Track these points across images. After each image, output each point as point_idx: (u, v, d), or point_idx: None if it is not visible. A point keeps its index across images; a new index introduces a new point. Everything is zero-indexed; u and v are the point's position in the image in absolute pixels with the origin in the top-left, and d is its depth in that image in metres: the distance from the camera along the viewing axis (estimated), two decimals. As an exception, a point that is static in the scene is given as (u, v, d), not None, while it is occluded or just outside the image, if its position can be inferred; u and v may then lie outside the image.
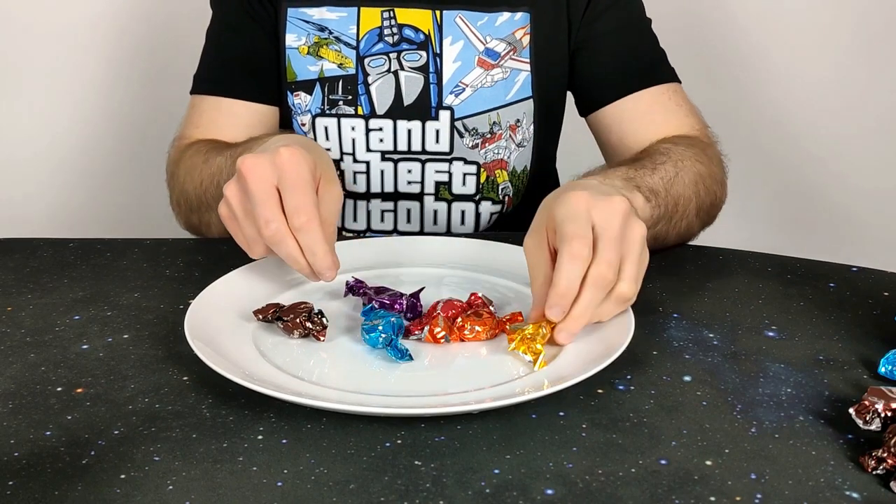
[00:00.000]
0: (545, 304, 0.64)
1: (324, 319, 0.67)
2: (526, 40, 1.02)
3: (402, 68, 1.01)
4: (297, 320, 0.67)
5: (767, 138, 1.69)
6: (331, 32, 1.01)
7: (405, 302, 0.71)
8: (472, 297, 0.71)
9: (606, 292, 0.64)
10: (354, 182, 1.03)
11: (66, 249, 0.89)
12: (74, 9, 1.64)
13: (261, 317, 0.69)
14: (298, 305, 0.68)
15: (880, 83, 1.66)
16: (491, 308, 0.70)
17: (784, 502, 0.50)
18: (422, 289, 0.73)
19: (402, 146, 1.02)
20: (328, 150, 1.03)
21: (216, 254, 0.87)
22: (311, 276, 0.70)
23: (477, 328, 0.67)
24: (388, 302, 0.70)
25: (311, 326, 0.67)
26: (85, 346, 0.69)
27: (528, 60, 1.03)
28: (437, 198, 1.04)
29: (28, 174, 1.73)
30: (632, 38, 1.04)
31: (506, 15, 1.02)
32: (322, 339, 0.67)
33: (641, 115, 1.00)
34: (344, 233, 1.06)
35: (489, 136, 1.03)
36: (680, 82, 1.02)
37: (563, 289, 0.63)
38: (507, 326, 0.68)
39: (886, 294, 0.78)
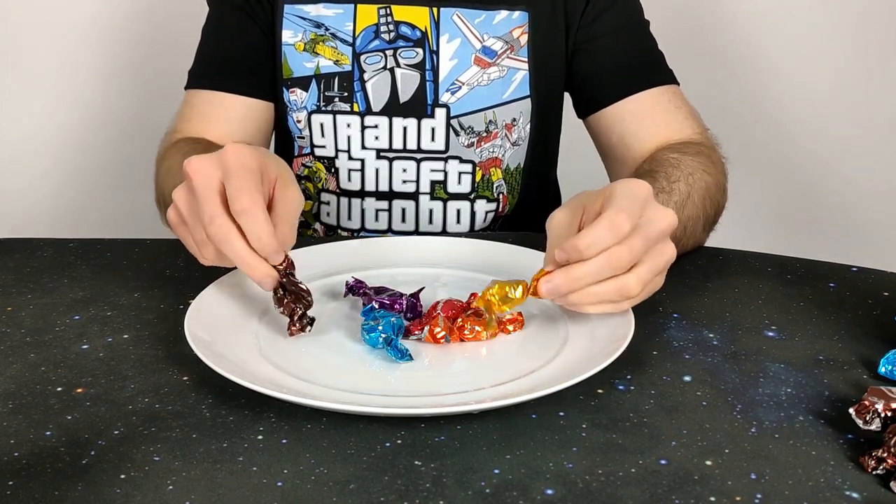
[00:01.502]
0: (558, 247, 0.63)
1: (308, 327, 0.67)
2: (524, 39, 1.02)
3: (398, 65, 1.01)
4: (292, 306, 0.66)
5: (767, 138, 1.69)
6: (327, 29, 1.01)
7: (405, 302, 0.71)
8: (472, 297, 0.71)
9: (612, 274, 0.63)
10: (349, 180, 1.03)
11: (66, 249, 0.89)
12: (76, 8, 1.65)
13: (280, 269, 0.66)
14: (305, 296, 0.67)
15: (880, 83, 1.66)
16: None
17: (784, 502, 0.50)
18: (421, 289, 0.73)
19: (398, 144, 1.02)
20: (323, 146, 1.03)
21: (216, 254, 0.86)
22: (261, 276, 0.65)
23: (477, 328, 0.67)
24: (387, 302, 0.70)
25: (295, 320, 0.66)
26: (85, 346, 0.69)
27: (525, 59, 1.03)
28: (433, 197, 1.04)
29: (28, 174, 1.73)
30: (631, 39, 1.04)
31: (503, 13, 1.02)
32: (290, 334, 0.66)
33: (642, 117, 1.00)
34: (339, 231, 1.06)
35: (485, 134, 1.03)
36: (679, 84, 1.02)
37: (584, 244, 0.61)
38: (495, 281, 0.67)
39: (886, 294, 0.78)
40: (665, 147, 0.95)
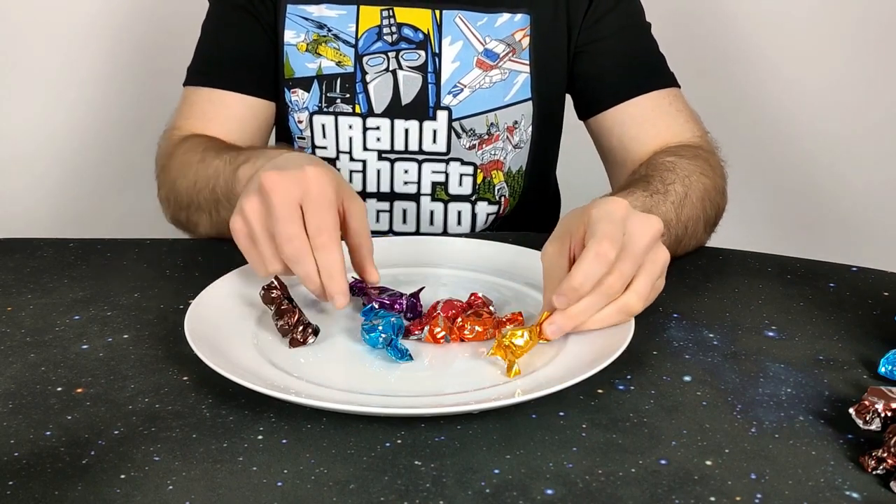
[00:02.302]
0: (554, 293, 0.63)
1: (310, 338, 0.66)
2: (525, 42, 1.02)
3: (400, 67, 1.01)
4: (288, 327, 0.66)
5: (767, 139, 1.69)
6: (330, 30, 1.01)
7: (405, 302, 0.71)
8: (472, 297, 0.71)
9: (609, 301, 0.64)
10: (350, 181, 1.03)
11: (66, 249, 0.89)
12: (76, 8, 1.64)
13: (266, 293, 0.68)
14: (299, 316, 0.67)
15: (880, 83, 1.66)
16: (491, 308, 0.70)
17: (784, 502, 0.50)
18: (421, 288, 0.73)
19: (399, 146, 1.02)
20: (325, 147, 1.03)
21: (216, 254, 0.87)
22: (322, 297, 0.69)
23: (477, 328, 0.67)
24: (387, 302, 0.70)
25: (297, 337, 0.66)
26: (85, 346, 0.69)
27: (527, 62, 1.02)
28: (434, 198, 1.04)
29: (28, 174, 1.73)
30: (633, 42, 1.04)
31: (505, 16, 1.02)
32: (292, 346, 0.66)
33: (643, 120, 0.99)
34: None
35: (486, 137, 1.03)
36: (679, 87, 1.02)
37: (577, 282, 0.62)
38: (506, 327, 0.67)
39: (886, 294, 0.78)
40: (662, 151, 0.95)
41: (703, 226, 0.88)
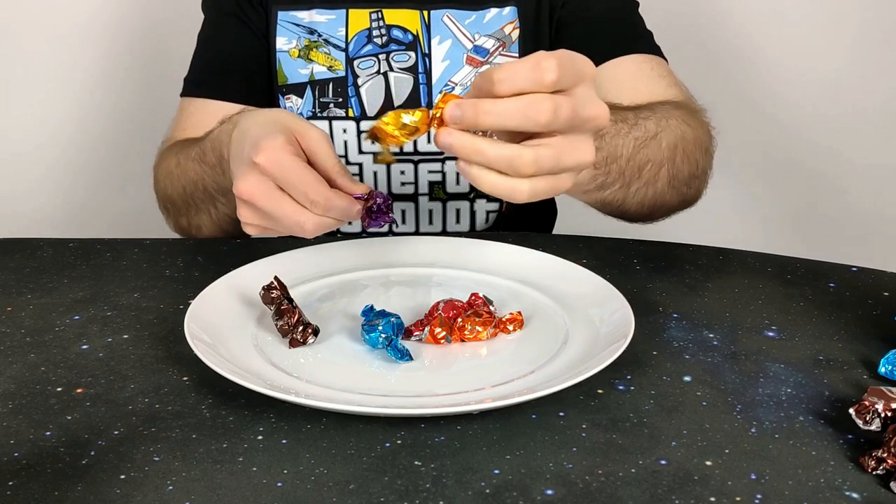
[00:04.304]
0: (476, 78, 0.57)
1: (310, 338, 0.66)
2: (515, 34, 1.02)
3: (391, 69, 1.01)
4: (288, 327, 0.66)
5: (767, 138, 1.69)
6: (320, 35, 1.01)
7: (379, 199, 0.70)
8: (473, 297, 0.71)
9: (525, 123, 0.55)
10: None
11: (66, 249, 0.89)
12: (76, 8, 1.64)
13: (266, 294, 0.68)
14: (299, 316, 0.67)
15: (880, 83, 1.66)
16: (491, 308, 0.70)
17: (784, 502, 0.50)
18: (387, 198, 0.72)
19: (394, 147, 1.02)
20: None
21: (216, 254, 0.87)
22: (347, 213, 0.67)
23: (477, 328, 0.67)
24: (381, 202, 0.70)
25: (297, 337, 0.66)
26: (85, 346, 0.69)
27: (517, 55, 1.03)
28: (432, 198, 1.04)
29: (28, 174, 1.73)
30: (615, 13, 1.02)
31: (493, 11, 1.02)
32: (292, 346, 0.66)
33: (623, 80, 0.96)
34: (338, 235, 1.06)
35: (480, 133, 1.03)
36: (666, 60, 1.01)
37: (498, 76, 0.54)
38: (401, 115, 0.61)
39: (886, 294, 0.78)
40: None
41: (668, 179, 0.81)
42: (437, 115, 0.58)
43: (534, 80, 0.54)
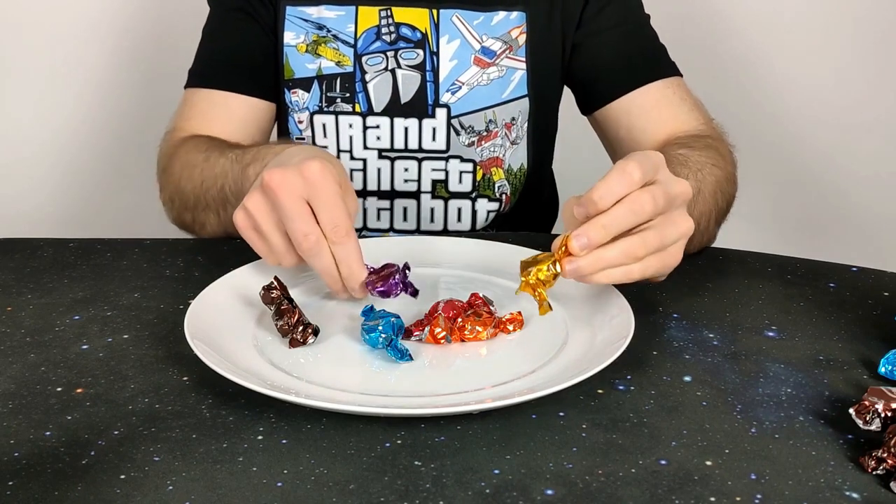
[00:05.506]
0: (575, 207, 0.62)
1: (310, 338, 0.66)
2: (522, 39, 1.03)
3: (399, 66, 1.01)
4: (288, 327, 0.66)
5: (768, 139, 1.69)
6: (329, 31, 1.02)
7: (399, 282, 0.71)
8: (473, 297, 0.71)
9: (635, 221, 0.62)
10: (351, 180, 1.03)
11: (66, 249, 0.89)
12: (76, 8, 1.65)
13: (266, 294, 0.68)
14: (299, 316, 0.67)
15: (880, 83, 1.66)
16: (491, 308, 0.70)
17: (784, 502, 0.50)
18: (406, 266, 0.73)
19: (399, 144, 1.03)
20: (325, 147, 1.03)
21: (216, 254, 0.87)
22: (342, 291, 0.71)
23: (477, 328, 0.67)
24: (384, 289, 0.71)
25: (297, 337, 0.66)
26: (85, 346, 0.69)
27: (523, 59, 1.03)
28: (434, 196, 1.05)
29: (28, 174, 1.73)
30: (633, 33, 1.04)
31: (501, 14, 1.02)
32: (292, 346, 0.66)
33: (649, 109, 0.99)
34: None
35: (485, 133, 1.03)
36: (682, 76, 1.03)
37: (597, 195, 0.60)
38: (530, 266, 0.65)
39: (886, 294, 0.78)
40: (673, 142, 0.94)
41: (715, 219, 0.87)
42: (562, 249, 0.63)
43: (626, 183, 0.61)
